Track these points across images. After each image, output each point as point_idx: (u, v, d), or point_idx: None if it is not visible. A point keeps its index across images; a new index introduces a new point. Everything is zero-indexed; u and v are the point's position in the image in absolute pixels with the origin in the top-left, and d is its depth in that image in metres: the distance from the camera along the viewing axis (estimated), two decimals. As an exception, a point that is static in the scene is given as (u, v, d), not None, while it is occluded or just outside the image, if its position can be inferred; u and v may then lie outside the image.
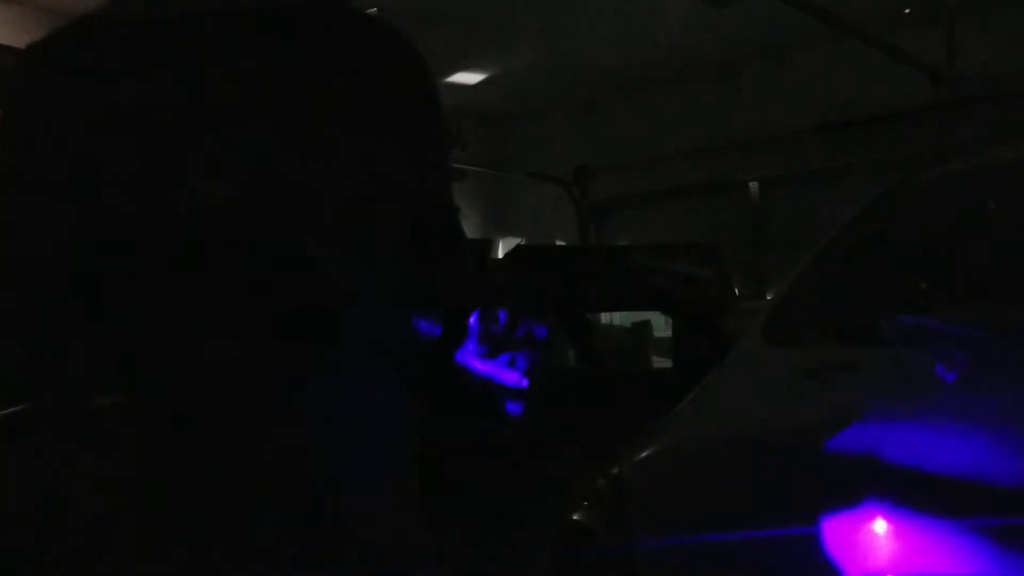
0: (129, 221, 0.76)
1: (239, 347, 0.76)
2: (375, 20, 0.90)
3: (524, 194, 10.25)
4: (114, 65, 0.79)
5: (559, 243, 9.17)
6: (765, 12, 6.58)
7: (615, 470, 2.58)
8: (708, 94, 8.55)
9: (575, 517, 2.65)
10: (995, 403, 1.47)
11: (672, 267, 4.42)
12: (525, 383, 0.96)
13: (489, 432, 3.51)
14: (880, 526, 1.56)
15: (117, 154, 0.77)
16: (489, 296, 0.96)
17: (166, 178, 0.76)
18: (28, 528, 0.73)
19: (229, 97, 0.80)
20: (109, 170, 0.76)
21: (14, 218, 0.77)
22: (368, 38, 0.88)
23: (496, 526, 3.49)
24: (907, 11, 6.89)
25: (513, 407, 0.97)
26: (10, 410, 0.75)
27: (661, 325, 6.99)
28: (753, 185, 8.40)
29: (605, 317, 8.11)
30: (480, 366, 0.96)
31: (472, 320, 0.95)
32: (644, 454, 2.50)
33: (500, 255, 7.38)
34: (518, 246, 5.91)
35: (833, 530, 1.75)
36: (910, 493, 1.55)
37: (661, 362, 6.33)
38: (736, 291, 5.12)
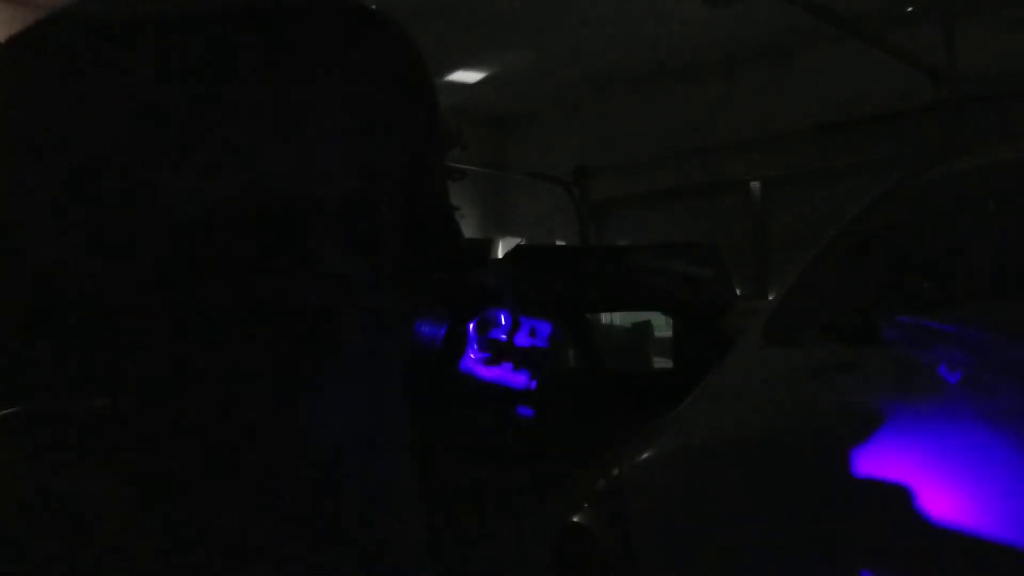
0: (127, 221, 0.75)
1: (239, 348, 0.76)
2: (375, 15, 0.89)
3: (524, 194, 10.25)
4: (111, 64, 0.79)
5: (559, 243, 9.17)
6: (765, 12, 6.59)
7: (615, 470, 2.58)
8: (708, 94, 8.55)
9: (575, 518, 2.65)
10: (996, 404, 1.46)
11: (672, 267, 4.42)
12: (534, 386, 0.94)
13: (490, 433, 3.51)
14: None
15: (114, 153, 0.76)
16: (489, 296, 0.94)
17: (164, 179, 0.76)
18: (27, 528, 0.73)
19: (226, 96, 0.79)
20: (105, 170, 0.76)
21: (12, 217, 0.77)
22: (368, 35, 0.88)
23: (496, 526, 3.49)
24: (909, 10, 6.88)
25: (524, 411, 0.96)
26: (8, 411, 0.75)
27: (661, 325, 7.00)
28: (754, 185, 8.40)
29: (605, 317, 8.11)
30: (486, 371, 0.94)
31: (471, 327, 0.93)
32: (644, 454, 2.50)
33: (500, 255, 7.37)
34: (518, 246, 5.91)
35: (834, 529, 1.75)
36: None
37: (661, 362, 6.33)
38: (736, 291, 5.12)
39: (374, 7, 0.90)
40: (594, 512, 2.62)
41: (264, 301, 0.77)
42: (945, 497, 1.50)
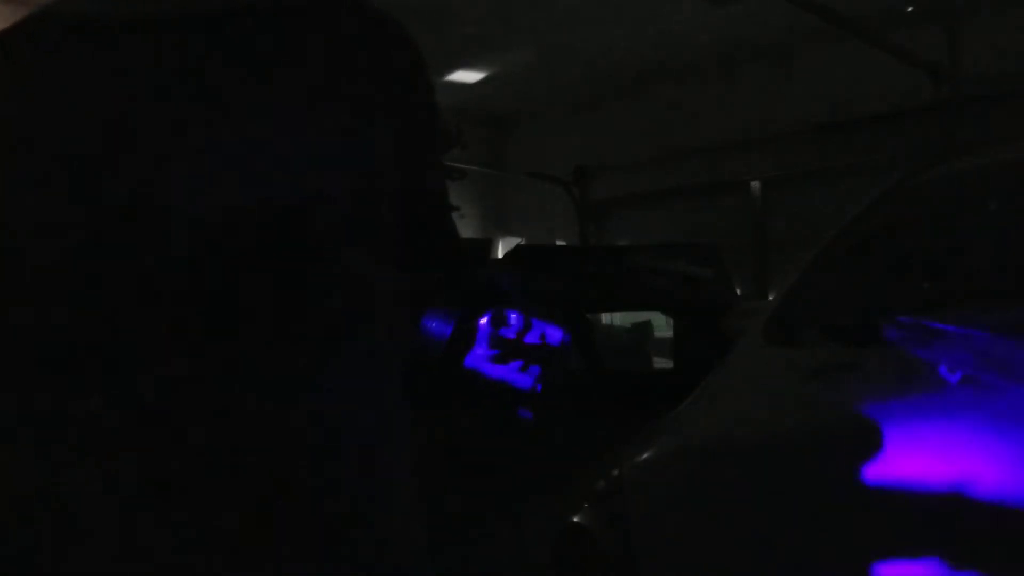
0: (127, 222, 0.75)
1: (238, 347, 0.76)
2: (376, 14, 0.89)
3: (524, 194, 10.25)
4: (110, 63, 0.79)
5: (559, 243, 9.17)
6: (765, 12, 6.59)
7: (615, 470, 2.58)
8: (708, 94, 8.55)
9: (575, 518, 2.65)
10: (996, 404, 1.47)
11: (672, 267, 4.42)
12: (540, 388, 0.94)
13: (491, 432, 3.51)
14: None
15: (113, 153, 0.76)
16: (504, 294, 0.94)
17: (163, 179, 0.76)
18: (26, 528, 0.73)
19: (225, 95, 0.79)
20: (104, 170, 0.76)
21: (11, 217, 0.77)
22: (368, 34, 0.88)
23: (496, 526, 3.49)
24: (909, 9, 6.88)
25: (525, 413, 0.95)
26: (8, 409, 0.75)
27: (661, 325, 7.00)
28: (754, 185, 8.40)
29: (605, 317, 8.11)
30: (492, 369, 0.94)
31: (484, 322, 0.92)
32: (644, 454, 2.50)
33: (500, 255, 7.38)
34: (518, 246, 5.90)
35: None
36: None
37: (661, 362, 6.33)
38: (736, 291, 5.12)
39: (374, 5, 0.90)
40: (594, 512, 2.62)
41: (263, 300, 0.77)
42: (945, 497, 1.50)
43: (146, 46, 0.79)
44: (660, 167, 8.95)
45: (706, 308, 4.19)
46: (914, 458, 1.58)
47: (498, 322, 0.91)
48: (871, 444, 1.68)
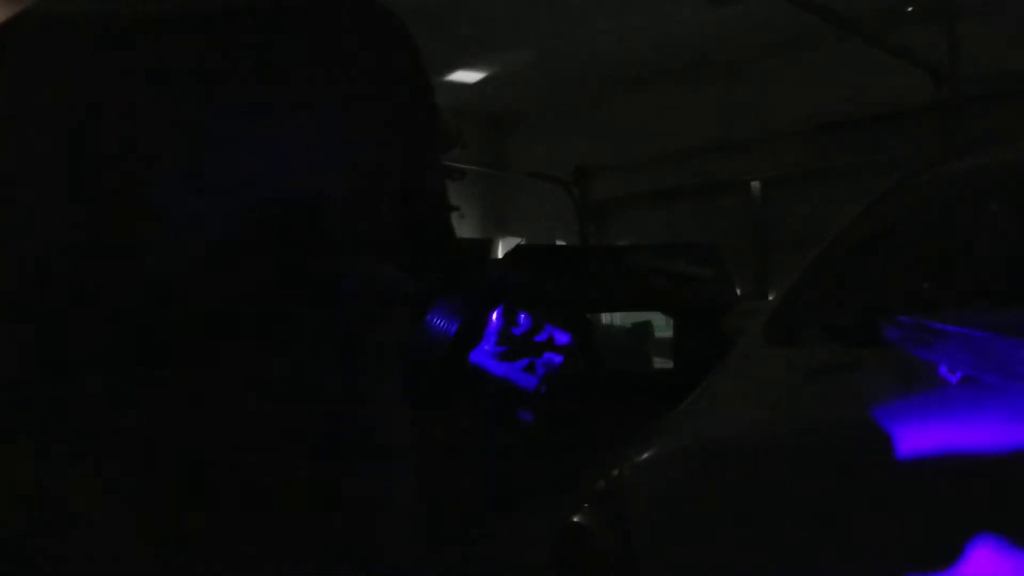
0: (126, 222, 0.75)
1: (236, 346, 0.76)
2: (377, 11, 0.89)
3: (524, 194, 10.25)
4: (109, 63, 0.79)
5: (559, 243, 9.17)
6: (765, 12, 6.58)
7: (615, 471, 2.58)
8: (708, 94, 8.54)
9: (575, 518, 2.65)
10: (996, 404, 1.47)
11: (672, 267, 4.42)
12: (544, 389, 0.93)
13: (491, 432, 3.51)
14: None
15: (112, 153, 0.76)
16: (501, 293, 0.94)
17: (162, 179, 0.76)
18: (26, 528, 0.73)
19: (224, 95, 0.79)
20: (103, 171, 0.76)
21: (10, 217, 0.77)
22: (369, 33, 0.88)
23: (496, 526, 3.49)
24: (909, 9, 6.88)
25: (525, 415, 0.95)
26: (9, 409, 0.75)
27: (661, 325, 6.99)
28: (754, 185, 8.40)
29: (605, 317, 8.10)
30: (496, 366, 0.93)
31: (495, 317, 0.92)
32: (644, 455, 2.50)
33: (500, 255, 7.37)
34: (518, 246, 5.90)
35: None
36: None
37: (661, 362, 6.33)
38: (737, 291, 5.12)
39: (376, 4, 0.89)
40: (594, 512, 2.62)
41: (262, 300, 0.77)
42: (944, 497, 1.50)
43: (146, 46, 0.79)
44: (660, 167, 8.94)
45: (706, 308, 4.19)
46: (914, 458, 1.58)
47: (509, 317, 0.91)
48: (871, 444, 1.68)
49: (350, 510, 0.80)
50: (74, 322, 0.75)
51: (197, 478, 0.74)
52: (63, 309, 0.75)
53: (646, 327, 7.25)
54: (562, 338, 0.93)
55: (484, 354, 0.93)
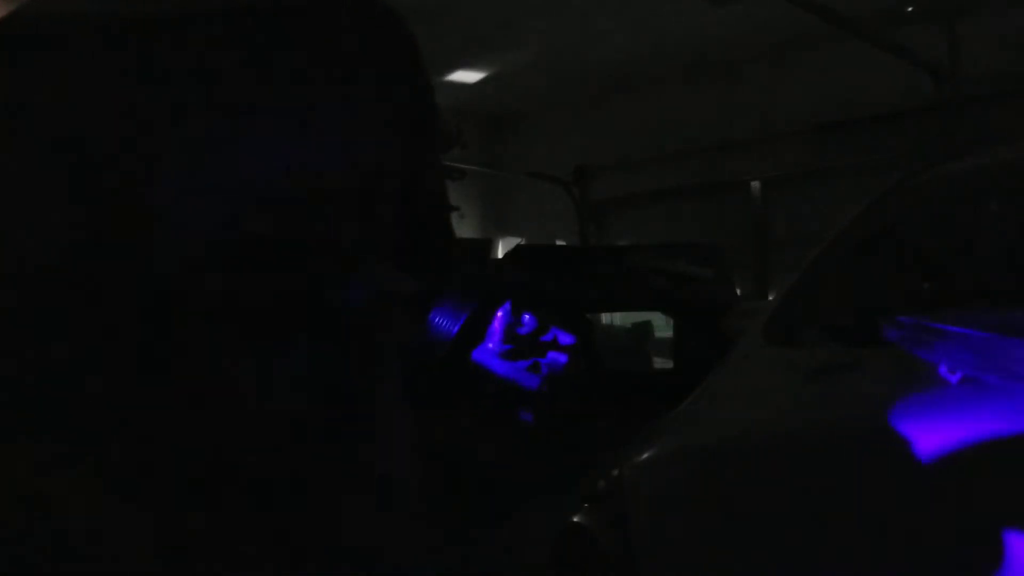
0: (126, 222, 0.75)
1: (235, 346, 0.76)
2: (376, 9, 0.89)
3: (524, 194, 10.25)
4: (108, 62, 0.79)
5: (559, 243, 9.17)
6: (765, 12, 6.59)
7: (615, 471, 2.58)
8: (708, 94, 8.55)
9: (575, 518, 2.65)
10: (996, 404, 1.47)
11: (672, 267, 4.42)
12: (545, 390, 0.93)
13: (492, 433, 3.51)
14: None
15: (111, 153, 0.76)
16: (508, 292, 0.94)
17: (162, 178, 0.76)
18: (24, 529, 0.73)
19: (224, 95, 0.79)
20: (103, 170, 0.76)
21: (11, 215, 0.77)
22: (367, 35, 0.88)
23: (496, 526, 3.49)
24: (909, 9, 6.88)
25: (526, 415, 0.95)
26: (9, 409, 0.75)
27: (661, 325, 6.99)
28: (754, 185, 8.40)
29: (605, 317, 8.10)
30: (500, 365, 0.93)
31: (501, 315, 0.92)
32: (645, 455, 2.50)
33: (500, 255, 7.37)
34: (518, 246, 5.90)
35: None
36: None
37: (661, 362, 6.33)
38: (737, 291, 5.12)
39: (377, 3, 0.89)
40: (594, 512, 2.62)
41: (262, 300, 0.77)
42: (944, 497, 1.50)
43: (146, 45, 0.79)
44: (660, 167, 8.94)
45: (706, 308, 4.19)
46: (914, 458, 1.58)
47: (515, 316, 0.91)
48: (871, 444, 1.68)
49: (350, 510, 0.80)
50: (74, 322, 0.75)
51: (197, 478, 0.74)
52: (63, 309, 0.75)
53: (646, 327, 7.25)
54: (566, 339, 0.93)
55: (488, 352, 0.93)
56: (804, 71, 7.81)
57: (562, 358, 0.93)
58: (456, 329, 0.92)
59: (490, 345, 0.92)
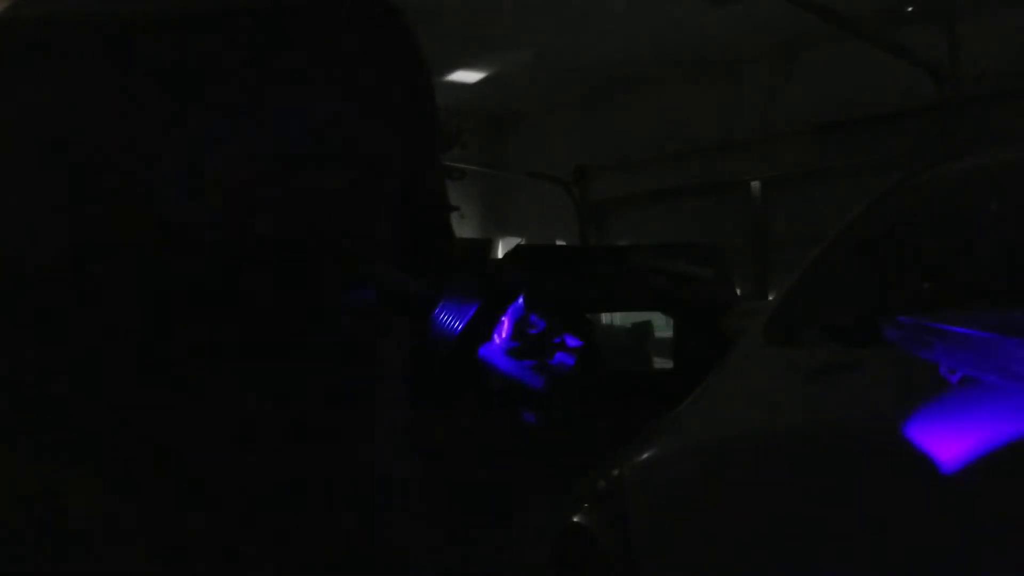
0: (125, 222, 0.75)
1: (234, 346, 0.76)
2: (376, 9, 0.89)
3: (524, 194, 10.25)
4: (107, 62, 0.79)
5: (559, 243, 9.17)
6: (765, 12, 6.59)
7: (615, 471, 2.58)
8: (709, 94, 8.55)
9: (575, 518, 2.65)
10: (996, 404, 1.46)
11: (672, 267, 4.42)
12: (548, 390, 0.93)
13: (493, 433, 3.51)
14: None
15: (110, 153, 0.76)
16: (501, 294, 0.94)
17: (162, 178, 0.76)
18: (24, 529, 0.73)
19: (223, 95, 0.79)
20: (102, 170, 0.76)
21: (10, 216, 0.77)
22: (367, 35, 0.88)
23: (496, 526, 3.49)
24: (909, 9, 6.88)
25: (528, 415, 0.94)
26: (9, 409, 0.75)
27: (661, 325, 6.99)
28: (754, 185, 8.40)
29: (605, 317, 8.10)
30: (506, 362, 0.93)
31: (510, 310, 0.92)
32: (645, 455, 2.50)
33: (500, 255, 7.37)
34: (518, 246, 5.90)
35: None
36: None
37: (661, 362, 6.33)
38: (737, 291, 5.12)
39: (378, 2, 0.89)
40: (594, 512, 2.62)
41: (262, 301, 0.77)
42: (944, 497, 1.50)
43: (145, 45, 0.79)
44: (660, 167, 8.94)
45: (706, 308, 4.19)
46: (913, 458, 1.58)
47: (527, 313, 0.91)
48: (871, 444, 1.68)
49: (351, 510, 0.80)
50: (74, 322, 0.75)
51: (197, 478, 0.74)
52: (63, 309, 0.75)
53: (646, 327, 7.25)
54: (574, 342, 0.93)
55: (495, 349, 0.92)
56: (804, 71, 7.82)
57: (569, 360, 0.93)
58: (461, 327, 0.91)
59: (498, 342, 0.92)
